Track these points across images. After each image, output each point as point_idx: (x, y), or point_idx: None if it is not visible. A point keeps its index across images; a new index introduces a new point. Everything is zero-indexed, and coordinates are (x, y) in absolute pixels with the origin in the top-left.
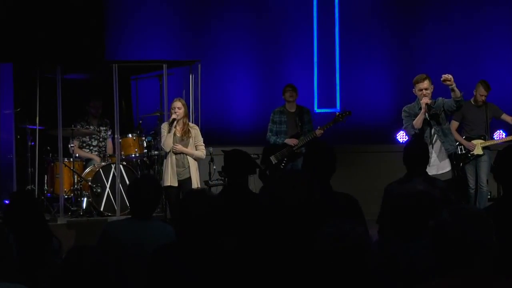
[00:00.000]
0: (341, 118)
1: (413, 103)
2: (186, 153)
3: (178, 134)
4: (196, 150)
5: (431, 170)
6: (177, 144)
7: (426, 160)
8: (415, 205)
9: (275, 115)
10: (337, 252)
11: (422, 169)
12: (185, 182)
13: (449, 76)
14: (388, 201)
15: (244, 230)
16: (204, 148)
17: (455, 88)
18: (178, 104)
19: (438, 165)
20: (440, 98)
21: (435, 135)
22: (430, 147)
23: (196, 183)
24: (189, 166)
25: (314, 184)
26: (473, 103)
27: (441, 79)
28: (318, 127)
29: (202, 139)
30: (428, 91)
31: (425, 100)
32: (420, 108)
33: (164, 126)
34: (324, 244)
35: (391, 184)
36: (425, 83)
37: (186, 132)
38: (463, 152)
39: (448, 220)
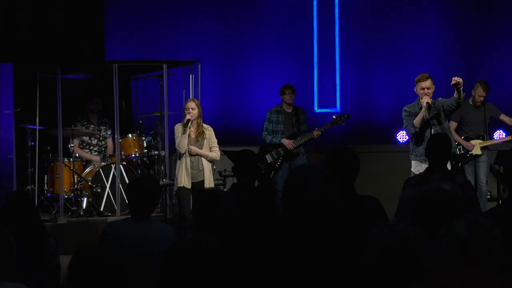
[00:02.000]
0: (339, 121)
1: (414, 102)
2: (201, 155)
3: (193, 135)
4: (210, 151)
5: None
6: (192, 146)
7: (447, 155)
8: (437, 203)
9: (272, 114)
10: (395, 253)
11: (443, 164)
12: (198, 185)
13: (461, 80)
14: (408, 196)
15: (252, 228)
16: (218, 149)
17: (461, 91)
18: (192, 104)
19: None
20: (440, 98)
21: None
22: None
23: (209, 185)
24: (203, 169)
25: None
26: (471, 103)
27: (452, 82)
28: (316, 129)
29: (217, 140)
30: (430, 91)
31: (425, 99)
32: (421, 108)
33: (178, 127)
34: (385, 244)
35: (411, 178)
36: (428, 82)
37: (200, 133)
38: (462, 152)
39: (463, 228)
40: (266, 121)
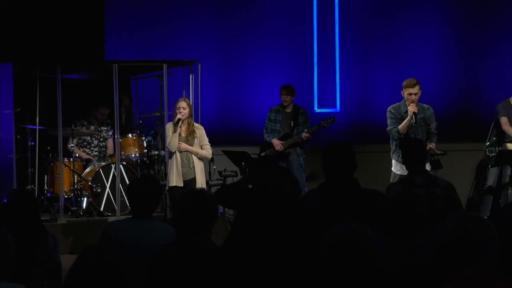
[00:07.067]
0: (325, 123)
1: (399, 103)
2: (191, 152)
3: (183, 134)
4: (201, 149)
5: None
6: (180, 142)
7: (423, 157)
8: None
9: (272, 113)
10: (346, 252)
11: (422, 167)
12: (190, 182)
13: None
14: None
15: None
16: (210, 148)
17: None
18: (183, 104)
19: None
20: (431, 111)
21: None
22: None
23: (200, 184)
24: (194, 167)
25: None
26: None
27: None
28: (305, 131)
29: (208, 139)
30: (416, 96)
31: (412, 109)
32: (405, 111)
33: (169, 126)
34: (332, 244)
35: (395, 184)
36: (415, 89)
37: (191, 132)
38: (493, 155)
39: (452, 228)
40: (267, 119)
